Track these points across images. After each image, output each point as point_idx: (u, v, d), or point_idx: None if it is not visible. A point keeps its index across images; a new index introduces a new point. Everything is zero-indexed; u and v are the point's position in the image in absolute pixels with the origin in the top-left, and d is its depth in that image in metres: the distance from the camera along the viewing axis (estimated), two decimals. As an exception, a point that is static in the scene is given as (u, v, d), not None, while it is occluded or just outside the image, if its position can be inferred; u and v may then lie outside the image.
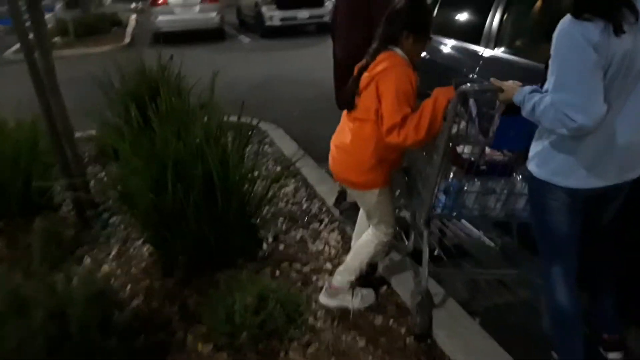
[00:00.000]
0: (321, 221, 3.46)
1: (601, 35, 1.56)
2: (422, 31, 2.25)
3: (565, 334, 1.94)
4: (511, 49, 3.30)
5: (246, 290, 2.36)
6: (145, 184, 2.72)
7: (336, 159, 2.44)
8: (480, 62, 3.39)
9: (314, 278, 2.85)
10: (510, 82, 1.94)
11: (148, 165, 2.73)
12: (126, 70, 4.57)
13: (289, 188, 3.95)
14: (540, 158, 1.82)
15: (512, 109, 1.92)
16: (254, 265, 2.88)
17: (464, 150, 2.25)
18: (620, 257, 2.10)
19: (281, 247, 3.17)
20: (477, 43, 3.49)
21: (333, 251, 3.09)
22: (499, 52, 3.33)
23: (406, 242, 2.93)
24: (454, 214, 2.35)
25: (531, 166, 1.87)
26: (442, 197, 2.27)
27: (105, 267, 3.04)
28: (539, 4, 3.44)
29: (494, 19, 3.40)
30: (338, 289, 2.58)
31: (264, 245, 3.15)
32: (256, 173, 3.01)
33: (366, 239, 2.55)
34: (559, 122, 1.61)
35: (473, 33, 3.59)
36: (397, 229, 2.64)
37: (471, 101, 2.12)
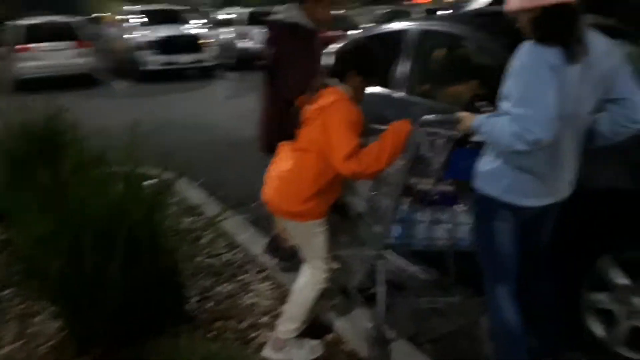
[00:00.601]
0: (248, 272, 3.31)
1: (558, 60, 1.71)
2: (367, 73, 2.36)
3: (513, 352, 2.02)
4: (418, 92, 3.55)
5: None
6: (57, 251, 2.41)
7: (274, 189, 2.39)
8: (391, 104, 3.55)
9: (253, 335, 2.69)
10: (463, 113, 2.04)
11: (60, 229, 2.43)
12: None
13: (204, 240, 3.75)
14: (490, 176, 1.94)
15: (461, 141, 2.08)
16: (185, 329, 2.65)
17: (419, 181, 2.32)
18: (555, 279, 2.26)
19: (210, 304, 2.97)
20: (387, 87, 3.68)
21: (268, 303, 2.96)
22: (407, 95, 3.55)
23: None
24: (405, 243, 2.40)
25: (479, 184, 1.98)
26: (396, 228, 2.31)
27: (5, 350, 2.60)
28: (440, 52, 3.75)
29: (403, 67, 3.63)
30: (284, 342, 2.47)
31: (191, 306, 2.92)
32: (180, 226, 2.82)
33: (303, 280, 2.48)
34: (518, 137, 1.69)
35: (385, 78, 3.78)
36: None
37: (421, 135, 2.21)
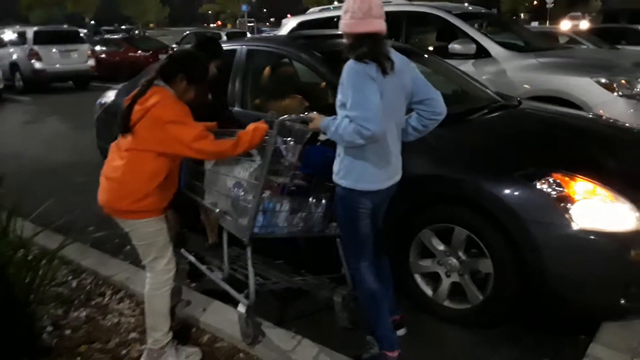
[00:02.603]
0: (103, 295, 3.21)
1: (376, 73, 2.16)
2: (194, 79, 2.47)
3: (378, 312, 2.43)
4: (251, 107, 3.88)
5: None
6: None
7: (107, 189, 2.41)
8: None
9: (124, 352, 2.67)
10: (315, 113, 2.39)
11: None
12: None
13: (46, 270, 3.48)
14: (344, 171, 2.32)
15: (312, 139, 2.44)
16: (47, 360, 2.52)
17: (277, 175, 2.58)
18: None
19: (67, 332, 2.83)
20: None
21: (132, 320, 2.93)
22: (242, 109, 3.84)
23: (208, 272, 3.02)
24: (269, 231, 2.63)
25: (338, 180, 2.35)
26: (260, 218, 2.55)
27: None
28: (268, 70, 4.11)
29: (235, 83, 3.90)
30: (160, 352, 2.52)
31: (46, 336, 2.76)
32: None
33: (147, 287, 2.53)
34: (356, 133, 2.10)
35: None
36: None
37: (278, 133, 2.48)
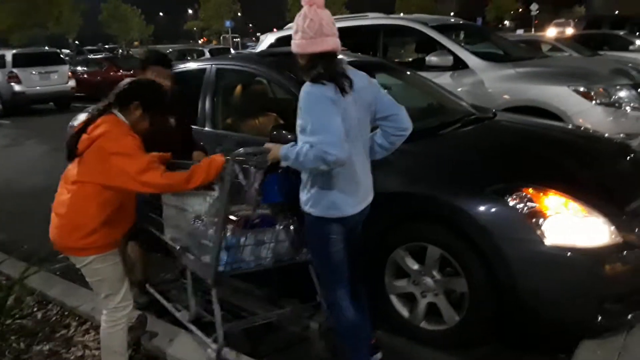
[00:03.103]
0: (68, 326, 3.09)
1: (334, 94, 2.07)
2: (149, 106, 2.38)
3: (357, 345, 2.33)
4: (223, 126, 3.82)
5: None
6: None
7: (56, 226, 2.30)
8: (203, 139, 3.71)
9: (87, 387, 2.56)
10: (270, 144, 2.29)
11: None
12: None
13: (10, 302, 3.36)
14: (313, 200, 2.21)
15: (272, 168, 2.31)
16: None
17: (239, 208, 2.47)
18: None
19: (29, 367, 2.72)
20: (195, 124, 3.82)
21: (96, 352, 2.80)
22: (213, 129, 3.77)
23: (176, 311, 2.91)
24: (235, 268, 2.50)
25: (307, 209, 2.25)
26: (224, 255, 2.43)
27: None
28: (239, 88, 4.05)
29: (206, 103, 3.83)
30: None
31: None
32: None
33: (103, 326, 2.43)
34: (320, 159, 1.99)
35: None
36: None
37: (236, 166, 2.36)
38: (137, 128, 2.36)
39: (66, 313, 3.24)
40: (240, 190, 2.42)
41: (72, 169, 2.26)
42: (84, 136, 2.22)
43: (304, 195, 2.26)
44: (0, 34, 34.72)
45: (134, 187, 2.22)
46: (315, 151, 2.00)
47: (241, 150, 2.33)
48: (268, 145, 2.29)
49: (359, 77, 2.23)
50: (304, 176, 2.25)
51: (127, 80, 2.43)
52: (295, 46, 2.16)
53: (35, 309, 3.30)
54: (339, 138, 2.01)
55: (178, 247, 2.66)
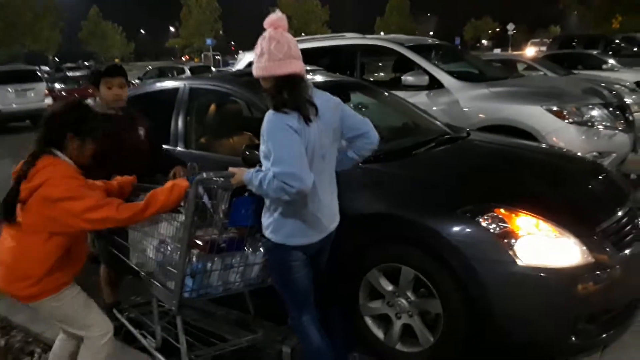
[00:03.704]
0: (32, 353, 2.98)
1: (298, 122, 2.03)
2: (87, 133, 2.22)
3: None
4: (195, 146, 3.77)
5: None
6: None
7: (1, 275, 2.17)
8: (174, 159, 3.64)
9: (48, 419, 2.45)
10: (235, 168, 2.25)
11: None
12: None
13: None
14: (274, 226, 2.18)
15: (239, 191, 2.27)
16: None
17: (205, 233, 2.40)
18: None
19: (-12, 398, 2.60)
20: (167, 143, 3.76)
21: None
22: (185, 149, 3.72)
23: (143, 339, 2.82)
24: (202, 294, 2.43)
25: (268, 234, 2.20)
26: (189, 281, 2.36)
27: None
28: (212, 108, 4.01)
29: (178, 122, 3.78)
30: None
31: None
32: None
33: (83, 355, 2.30)
34: (281, 190, 1.97)
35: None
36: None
37: (200, 189, 2.30)
38: (84, 157, 2.23)
39: (30, 340, 3.12)
40: (206, 213, 2.36)
41: (17, 215, 2.12)
42: (24, 185, 2.09)
43: (265, 220, 2.23)
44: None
45: (84, 226, 2.12)
46: (277, 182, 1.97)
47: (204, 174, 2.27)
48: (232, 169, 2.25)
49: (323, 100, 2.19)
50: (267, 201, 2.21)
51: (47, 113, 2.24)
52: (260, 69, 2.11)
53: (-1, 336, 3.18)
54: (300, 169, 1.97)
55: (142, 274, 2.58)
